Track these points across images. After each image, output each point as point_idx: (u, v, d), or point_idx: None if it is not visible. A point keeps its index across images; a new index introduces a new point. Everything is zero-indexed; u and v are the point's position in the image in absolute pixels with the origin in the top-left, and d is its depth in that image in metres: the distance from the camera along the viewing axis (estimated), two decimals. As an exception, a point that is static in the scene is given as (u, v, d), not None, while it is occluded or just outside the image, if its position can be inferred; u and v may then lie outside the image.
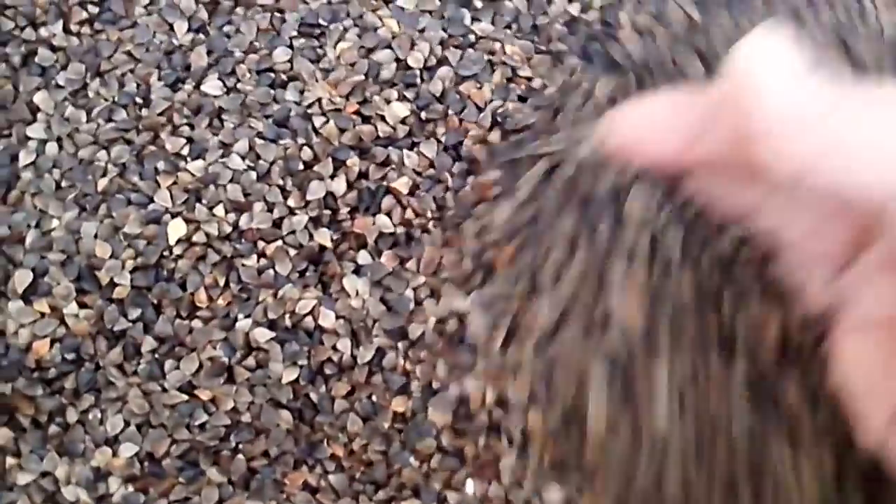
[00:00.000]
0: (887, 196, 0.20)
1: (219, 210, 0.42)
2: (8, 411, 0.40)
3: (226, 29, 0.45)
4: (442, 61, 0.44)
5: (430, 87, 0.43)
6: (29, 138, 0.44)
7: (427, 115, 0.43)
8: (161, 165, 0.42)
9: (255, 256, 0.41)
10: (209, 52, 0.44)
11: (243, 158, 0.42)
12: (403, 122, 0.43)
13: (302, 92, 0.43)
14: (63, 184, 0.43)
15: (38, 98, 0.45)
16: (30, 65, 0.46)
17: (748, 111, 0.22)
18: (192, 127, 0.43)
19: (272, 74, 0.44)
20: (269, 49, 0.44)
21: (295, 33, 0.44)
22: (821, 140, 0.21)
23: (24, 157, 0.44)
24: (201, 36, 0.45)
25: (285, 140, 0.42)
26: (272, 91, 0.43)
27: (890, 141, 0.20)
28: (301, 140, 0.43)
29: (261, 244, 0.41)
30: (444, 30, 0.44)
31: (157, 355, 0.41)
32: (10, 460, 0.40)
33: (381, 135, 0.43)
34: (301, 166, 0.42)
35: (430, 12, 0.44)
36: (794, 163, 0.21)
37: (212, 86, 0.43)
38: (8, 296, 0.41)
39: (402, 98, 0.43)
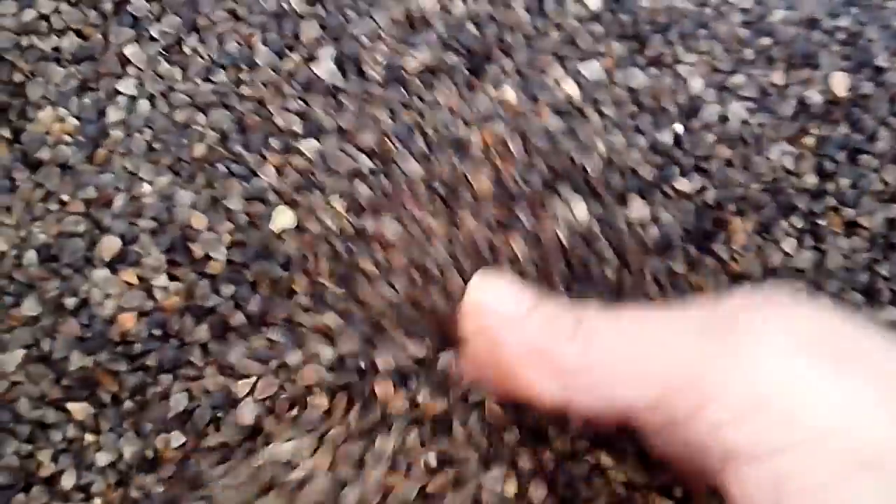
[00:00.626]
0: (634, 408, 0.24)
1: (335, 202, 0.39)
2: (89, 386, 0.38)
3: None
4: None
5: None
6: (119, 93, 0.41)
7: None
8: (269, 140, 0.40)
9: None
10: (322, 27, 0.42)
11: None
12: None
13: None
14: (156, 146, 0.40)
15: (129, 51, 0.42)
16: (121, 14, 0.43)
17: (492, 352, 0.26)
18: (305, 102, 0.40)
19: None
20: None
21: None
22: (562, 376, 0.24)
23: (113, 114, 0.41)
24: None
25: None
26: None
27: (625, 360, 0.24)
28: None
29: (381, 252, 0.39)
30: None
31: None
32: (88, 437, 0.37)
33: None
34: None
35: None
36: (548, 398, 0.25)
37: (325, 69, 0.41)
38: (94, 263, 0.39)
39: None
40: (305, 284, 0.38)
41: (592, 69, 0.43)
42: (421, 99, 0.41)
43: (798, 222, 0.42)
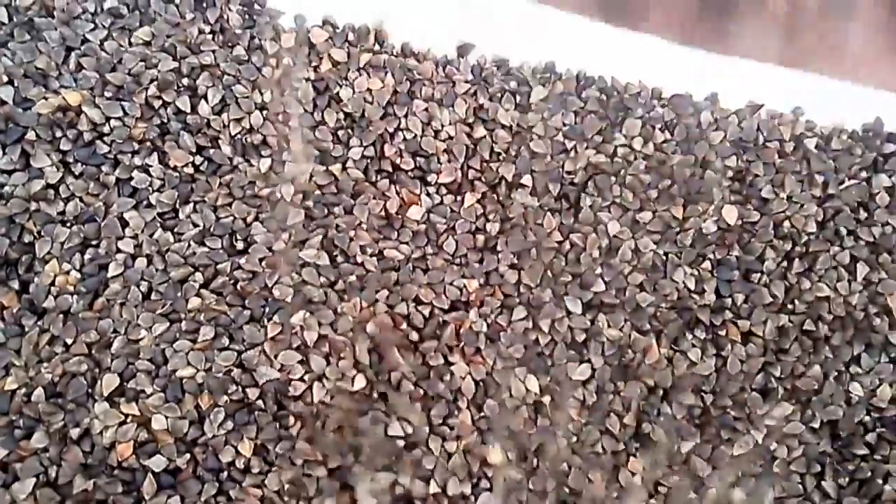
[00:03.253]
0: None
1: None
2: (90, 507, 0.43)
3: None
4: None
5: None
6: (118, 251, 0.48)
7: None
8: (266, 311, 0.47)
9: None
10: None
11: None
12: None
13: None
14: (153, 297, 0.47)
15: (129, 215, 0.49)
16: (122, 184, 0.50)
17: None
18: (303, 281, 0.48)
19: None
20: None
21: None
22: None
23: (113, 269, 0.48)
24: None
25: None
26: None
27: None
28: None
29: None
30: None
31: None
32: (86, 555, 0.42)
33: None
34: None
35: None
36: None
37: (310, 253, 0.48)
38: (95, 398, 0.45)
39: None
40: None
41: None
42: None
43: (701, 334, 0.49)
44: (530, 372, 0.47)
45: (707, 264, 0.53)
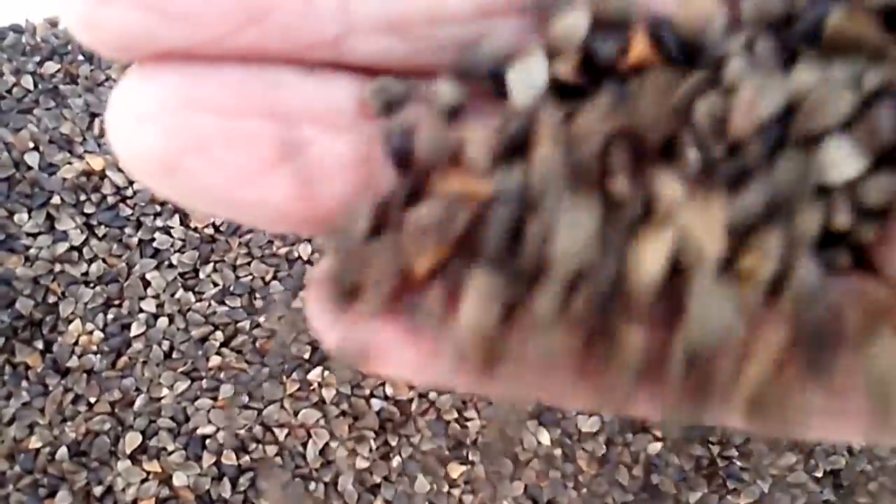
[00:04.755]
0: None
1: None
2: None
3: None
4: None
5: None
6: (141, 310, 0.50)
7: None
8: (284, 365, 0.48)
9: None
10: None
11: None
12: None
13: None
14: (174, 356, 0.49)
15: (151, 276, 0.51)
16: (145, 245, 0.52)
17: None
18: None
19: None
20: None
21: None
22: None
23: (135, 328, 0.49)
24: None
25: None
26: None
27: None
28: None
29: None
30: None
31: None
32: None
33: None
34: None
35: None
36: None
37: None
38: (118, 455, 0.46)
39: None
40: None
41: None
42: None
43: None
44: (542, 425, 0.48)
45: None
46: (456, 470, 0.46)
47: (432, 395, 0.48)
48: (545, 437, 0.47)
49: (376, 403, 0.48)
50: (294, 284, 0.51)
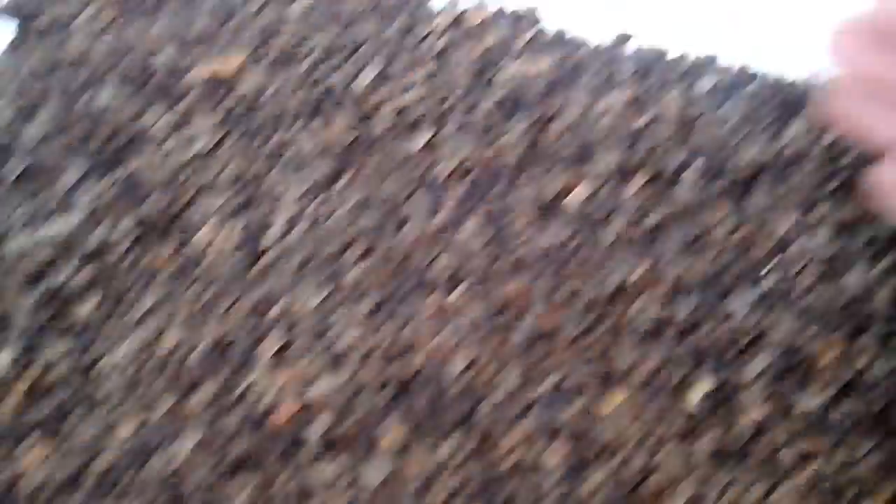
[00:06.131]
0: None
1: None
2: (248, 472, 0.42)
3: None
4: None
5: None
6: (276, 216, 0.48)
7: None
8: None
9: None
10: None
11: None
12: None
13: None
14: (311, 266, 0.47)
15: (286, 182, 0.49)
16: (280, 150, 0.50)
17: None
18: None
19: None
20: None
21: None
22: None
23: (271, 234, 0.48)
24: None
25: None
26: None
27: None
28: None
29: None
30: None
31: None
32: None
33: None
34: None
35: None
36: None
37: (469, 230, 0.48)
38: (256, 361, 0.44)
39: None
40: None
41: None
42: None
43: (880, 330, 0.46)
44: (706, 372, 0.45)
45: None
46: (609, 399, 0.44)
47: (584, 323, 0.46)
48: (707, 384, 0.45)
49: (522, 327, 0.45)
50: (432, 202, 0.49)
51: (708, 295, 0.46)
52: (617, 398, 0.44)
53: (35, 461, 0.43)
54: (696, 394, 0.44)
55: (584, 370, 0.44)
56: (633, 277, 0.46)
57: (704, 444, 0.42)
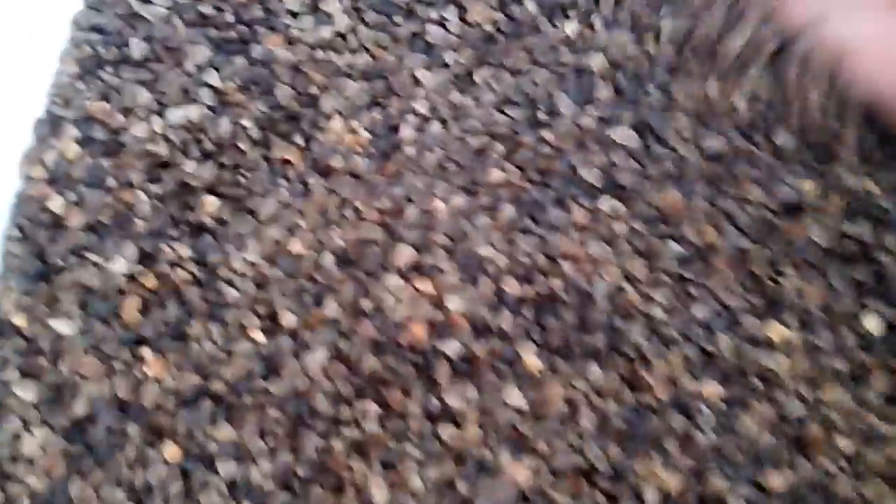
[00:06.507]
0: None
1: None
2: (378, 388, 0.40)
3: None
4: None
5: None
6: (411, 112, 0.44)
7: None
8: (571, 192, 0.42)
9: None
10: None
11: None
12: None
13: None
14: (448, 166, 0.43)
15: (421, 74, 0.45)
16: (416, 39, 0.45)
17: None
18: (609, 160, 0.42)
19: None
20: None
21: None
22: None
23: (405, 131, 0.44)
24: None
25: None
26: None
27: None
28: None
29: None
30: None
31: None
32: (378, 436, 0.40)
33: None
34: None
35: None
36: None
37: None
38: (388, 270, 0.42)
39: None
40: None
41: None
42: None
43: None
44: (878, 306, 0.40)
45: None
46: (771, 329, 0.40)
47: (744, 243, 0.41)
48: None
49: (673, 246, 0.41)
50: (581, 97, 0.43)
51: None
52: (780, 329, 0.39)
53: (159, 369, 0.42)
54: (870, 325, 0.39)
55: (744, 295, 0.40)
56: (808, 189, 0.41)
57: (876, 385, 0.38)
